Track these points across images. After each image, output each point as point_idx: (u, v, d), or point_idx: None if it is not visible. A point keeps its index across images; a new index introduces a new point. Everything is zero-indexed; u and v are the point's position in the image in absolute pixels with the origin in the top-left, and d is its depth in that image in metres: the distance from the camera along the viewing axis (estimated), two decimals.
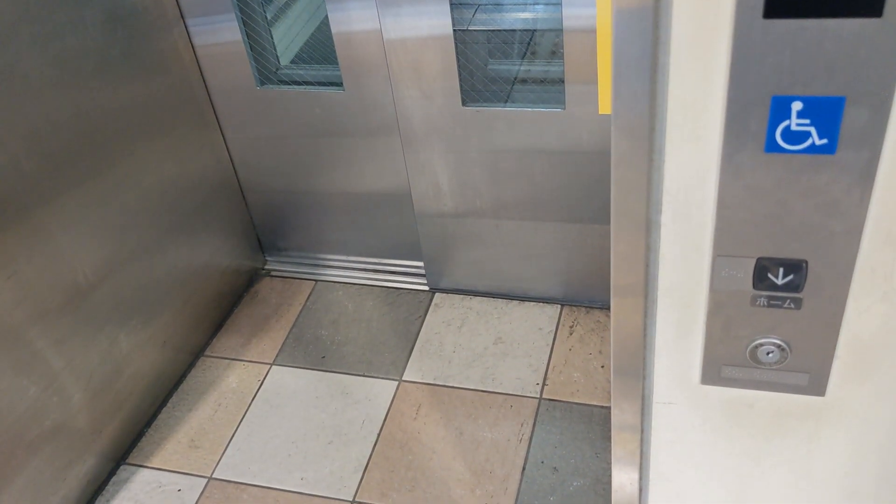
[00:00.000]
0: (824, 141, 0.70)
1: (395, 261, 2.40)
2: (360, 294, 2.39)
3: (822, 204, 0.74)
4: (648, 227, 0.79)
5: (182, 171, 2.10)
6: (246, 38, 2.07)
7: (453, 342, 2.22)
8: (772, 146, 0.71)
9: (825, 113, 0.68)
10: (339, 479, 1.95)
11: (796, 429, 0.91)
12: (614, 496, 1.02)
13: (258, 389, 2.16)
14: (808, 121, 0.69)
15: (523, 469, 1.94)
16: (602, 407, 2.03)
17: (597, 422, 2.00)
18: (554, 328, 2.22)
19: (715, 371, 0.88)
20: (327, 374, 2.18)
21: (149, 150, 1.97)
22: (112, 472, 1.97)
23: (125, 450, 2.01)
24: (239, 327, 2.33)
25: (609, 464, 1.92)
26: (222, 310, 2.33)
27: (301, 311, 2.35)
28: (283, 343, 2.27)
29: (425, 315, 2.30)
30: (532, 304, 2.29)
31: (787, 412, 0.90)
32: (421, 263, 2.35)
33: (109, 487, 1.95)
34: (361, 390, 2.14)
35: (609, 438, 1.85)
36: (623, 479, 1.00)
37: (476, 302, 2.32)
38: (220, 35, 2.06)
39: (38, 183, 1.65)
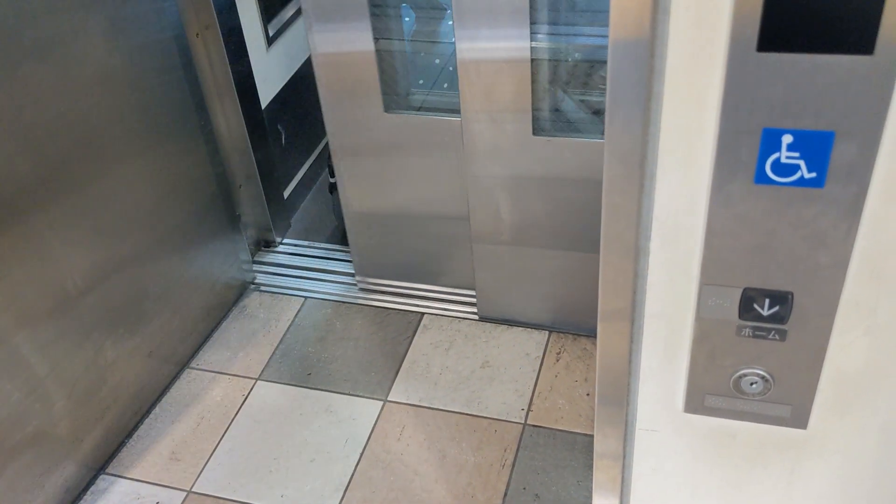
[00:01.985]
0: (813, 174, 0.71)
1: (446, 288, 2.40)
2: (349, 312, 2.38)
3: (809, 236, 0.74)
4: (637, 254, 0.80)
5: (176, 183, 2.10)
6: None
7: (440, 364, 2.22)
8: (761, 178, 0.72)
9: (814, 147, 0.69)
10: (319, 498, 1.94)
11: (778, 461, 0.91)
12: None
13: (242, 404, 2.15)
14: (797, 154, 0.70)
15: (505, 495, 1.94)
16: (586, 435, 2.03)
17: (580, 449, 1.99)
18: (541, 354, 2.22)
19: (699, 400, 0.89)
20: (312, 391, 2.17)
21: (144, 160, 1.97)
22: (91, 482, 1.96)
23: (105, 459, 2.00)
24: (226, 341, 2.32)
25: (591, 492, 1.91)
26: (210, 323, 2.32)
27: (289, 328, 2.35)
28: (270, 358, 2.27)
29: (413, 336, 2.30)
30: (520, 329, 2.29)
31: (769, 444, 0.90)
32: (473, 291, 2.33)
33: (87, 497, 1.94)
34: (346, 409, 2.13)
35: (592, 467, 1.85)
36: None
37: (465, 325, 2.32)
38: None
39: (32, 188, 1.66)
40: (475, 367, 2.21)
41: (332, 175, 2.44)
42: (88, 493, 1.94)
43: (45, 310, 1.73)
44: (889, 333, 0.78)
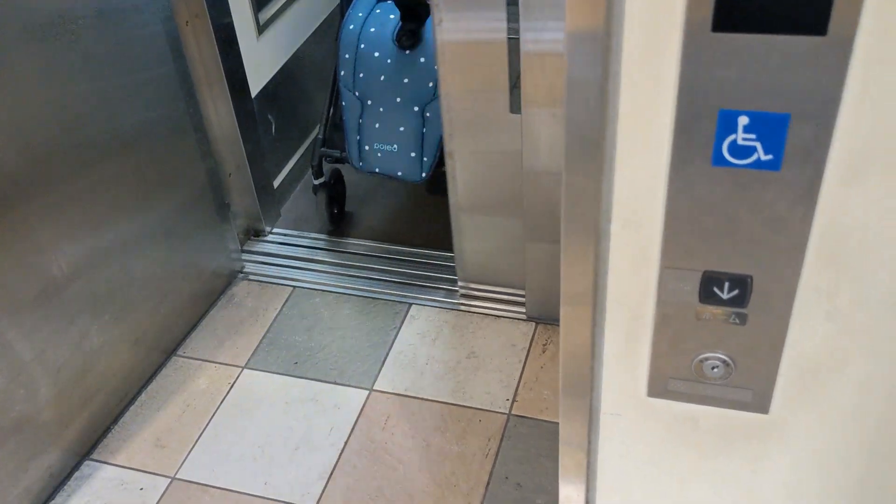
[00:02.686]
0: (770, 157, 0.71)
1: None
2: (337, 302, 2.39)
3: (767, 220, 0.74)
4: (598, 236, 0.80)
5: (164, 172, 2.10)
6: None
7: (427, 354, 2.22)
8: (719, 160, 0.72)
9: (770, 129, 0.69)
10: (302, 486, 1.94)
11: (741, 445, 0.91)
12: None
13: (228, 392, 2.16)
14: (753, 136, 0.70)
15: (487, 484, 1.94)
16: None
17: None
18: (527, 345, 2.23)
19: (662, 384, 0.89)
20: (299, 380, 2.18)
21: (132, 148, 1.97)
22: (75, 467, 1.96)
23: (90, 445, 2.00)
24: (213, 329, 2.33)
25: None
26: (197, 311, 2.32)
27: (277, 317, 2.35)
28: (257, 347, 2.27)
29: (400, 326, 2.30)
30: (507, 320, 2.29)
31: (732, 428, 0.90)
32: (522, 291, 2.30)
33: (71, 482, 1.94)
34: (331, 398, 2.13)
35: None
36: (570, 491, 1.00)
37: (452, 315, 2.32)
38: None
39: (18, 176, 1.66)
40: (461, 358, 2.21)
41: (317, 176, 2.42)
42: (73, 478, 1.95)
43: (31, 296, 1.73)
44: (849, 319, 0.78)
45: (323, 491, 1.93)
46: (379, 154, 2.24)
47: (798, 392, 0.85)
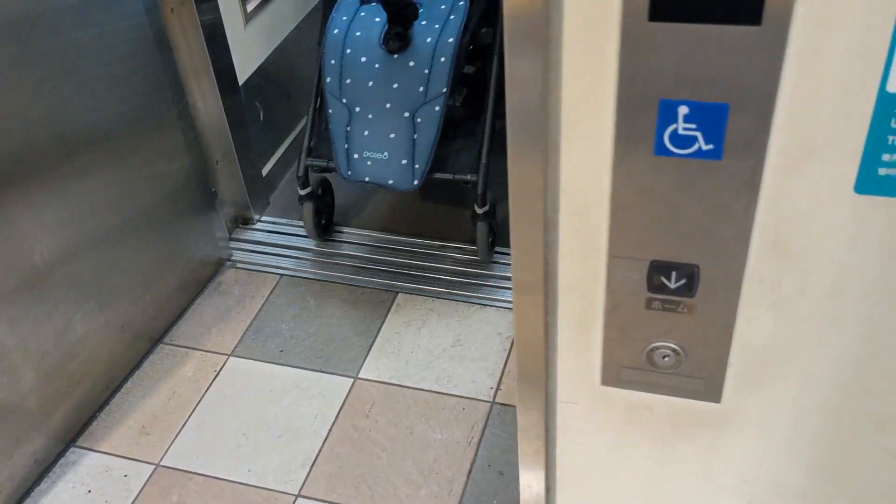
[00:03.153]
0: (710, 146, 0.71)
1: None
2: (324, 290, 2.39)
3: (711, 209, 0.75)
4: (547, 225, 0.80)
5: (151, 160, 2.11)
6: None
7: (412, 343, 2.23)
8: (661, 149, 0.72)
9: (710, 118, 0.69)
10: (286, 473, 1.96)
11: (696, 434, 0.92)
12: (522, 494, 1.03)
13: (214, 379, 2.17)
14: (694, 125, 0.70)
15: (470, 472, 1.95)
16: None
17: None
18: (513, 334, 2.23)
19: (614, 373, 0.89)
20: (284, 367, 2.19)
21: (117, 137, 1.98)
22: (60, 454, 1.98)
23: (75, 432, 2.02)
24: (200, 317, 2.34)
25: None
26: (184, 298, 2.33)
27: (263, 304, 2.36)
28: (243, 335, 2.28)
29: (386, 315, 2.31)
30: (493, 308, 2.30)
31: (686, 417, 0.91)
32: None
33: (56, 469, 1.96)
34: (316, 386, 2.14)
35: None
36: (530, 478, 1.01)
37: (438, 304, 2.33)
38: None
39: (1, 163, 1.67)
40: (446, 346, 2.22)
41: (303, 187, 2.34)
42: (58, 465, 1.97)
43: (13, 284, 1.74)
44: (794, 308, 0.78)
45: (306, 478, 1.94)
46: (369, 162, 2.16)
47: (748, 380, 0.85)
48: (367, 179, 2.17)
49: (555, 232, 0.81)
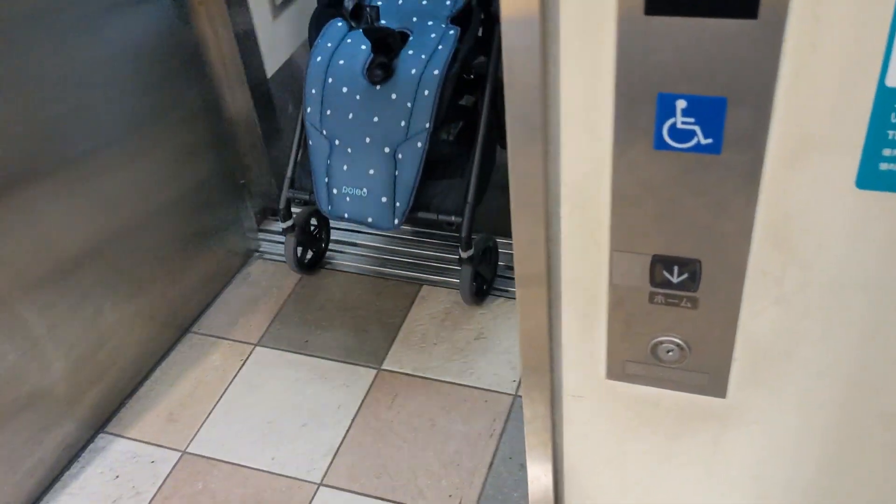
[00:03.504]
0: (709, 140, 0.71)
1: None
2: (349, 282, 2.41)
3: (711, 203, 0.74)
4: (548, 218, 0.80)
5: (180, 151, 2.14)
6: None
7: (435, 335, 2.24)
8: (660, 143, 0.72)
9: (708, 112, 0.69)
10: (309, 461, 1.98)
11: (701, 429, 0.92)
12: (530, 487, 1.03)
13: (240, 369, 2.20)
14: (692, 119, 0.70)
15: (491, 464, 1.96)
16: None
17: None
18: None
19: (619, 367, 0.89)
20: (309, 358, 2.21)
21: (146, 128, 2.01)
22: (90, 440, 2.02)
23: (104, 419, 2.06)
24: (228, 307, 2.37)
25: None
26: (213, 289, 2.37)
27: (290, 295, 2.38)
28: (269, 325, 2.31)
29: (410, 306, 2.32)
30: (516, 301, 2.30)
31: (691, 412, 0.90)
32: None
33: (85, 454, 2.00)
34: (340, 376, 2.16)
35: None
36: (537, 470, 1.01)
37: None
38: None
39: (31, 155, 1.70)
40: (470, 339, 2.22)
41: (284, 219, 2.24)
42: (87, 450, 2.01)
43: (44, 272, 1.78)
44: (798, 302, 0.78)
45: (329, 467, 1.97)
46: (348, 198, 2.04)
47: (753, 375, 0.85)
48: (346, 216, 2.07)
49: (556, 225, 0.81)
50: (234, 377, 2.18)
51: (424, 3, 2.06)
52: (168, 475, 1.96)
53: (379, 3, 2.10)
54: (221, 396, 2.14)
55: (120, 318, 2.02)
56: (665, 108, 0.70)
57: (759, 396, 0.86)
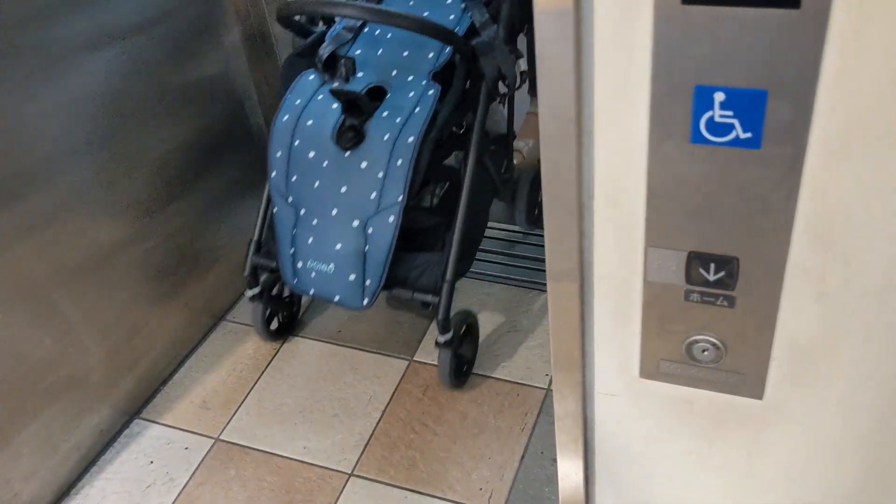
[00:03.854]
0: (748, 134, 0.68)
1: None
2: None
3: (750, 199, 0.72)
4: (581, 212, 0.78)
5: (216, 142, 2.15)
6: None
7: None
8: (697, 137, 0.70)
9: (747, 105, 0.67)
10: (340, 451, 1.98)
11: (737, 430, 0.89)
12: (560, 484, 1.02)
13: (273, 357, 2.21)
14: (731, 112, 0.68)
15: (522, 458, 1.94)
16: None
17: None
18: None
19: (653, 365, 0.87)
20: (341, 348, 2.21)
21: (182, 117, 2.02)
22: (125, 426, 2.04)
23: (139, 405, 2.08)
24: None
25: None
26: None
27: None
28: (302, 314, 2.31)
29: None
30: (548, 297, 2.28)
31: (726, 412, 0.88)
32: None
33: (121, 439, 2.02)
34: (372, 367, 2.16)
35: None
36: (568, 467, 1.00)
37: (496, 288, 2.32)
38: None
39: (69, 147, 1.72)
40: (503, 332, 2.21)
41: (250, 286, 2.05)
42: (122, 435, 2.03)
43: (79, 259, 1.80)
44: (840, 301, 0.75)
45: (359, 458, 1.97)
46: (313, 273, 1.83)
47: (792, 376, 0.82)
48: (311, 292, 1.86)
49: (590, 220, 0.79)
50: (266, 366, 2.19)
51: (405, 54, 1.86)
52: (201, 462, 1.98)
53: (357, 52, 1.89)
54: (254, 385, 2.15)
55: (155, 305, 2.04)
56: (702, 100, 0.68)
57: (798, 397, 0.84)
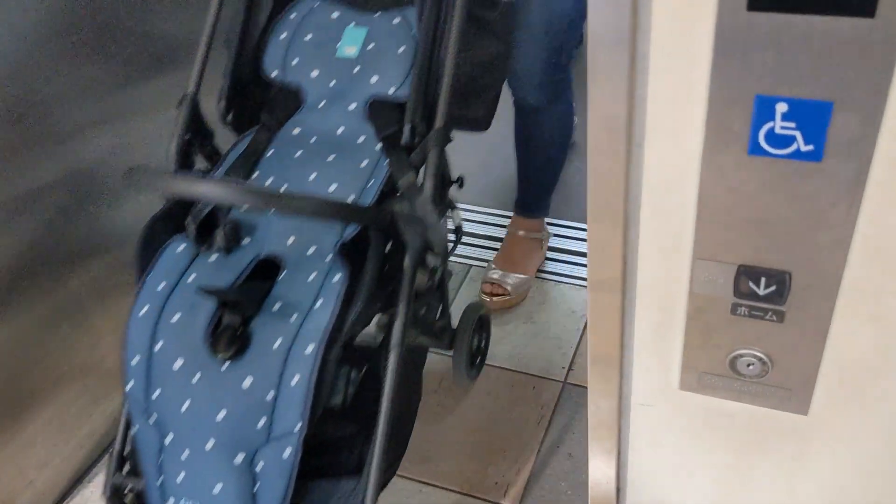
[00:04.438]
0: (810, 147, 0.65)
1: None
2: None
3: (807, 214, 0.69)
4: (627, 222, 0.76)
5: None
6: None
7: None
8: (755, 149, 0.67)
9: (811, 117, 0.64)
10: None
11: (778, 446, 0.87)
12: (591, 492, 1.00)
13: None
14: (793, 124, 0.65)
15: (538, 452, 1.92)
16: None
17: None
18: (587, 312, 2.18)
19: (694, 378, 0.85)
20: None
21: None
22: None
23: None
24: None
25: None
26: None
27: None
28: None
29: (459, 287, 2.28)
30: (567, 286, 2.25)
31: (768, 427, 0.86)
32: None
33: None
34: None
35: None
36: (599, 476, 0.98)
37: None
38: None
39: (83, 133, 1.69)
40: (519, 323, 2.18)
41: None
42: None
43: (92, 245, 1.78)
44: (894, 322, 0.72)
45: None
46: None
47: (840, 394, 0.80)
48: None
49: (635, 230, 0.76)
50: None
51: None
52: None
53: (240, 210, 1.39)
54: None
55: None
56: (763, 111, 0.65)
57: (845, 415, 0.81)
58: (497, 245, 2.38)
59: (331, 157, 1.42)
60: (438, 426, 1.98)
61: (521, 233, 2.28)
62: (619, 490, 1.00)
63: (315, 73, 1.49)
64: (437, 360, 2.11)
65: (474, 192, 2.55)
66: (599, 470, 0.97)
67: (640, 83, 0.67)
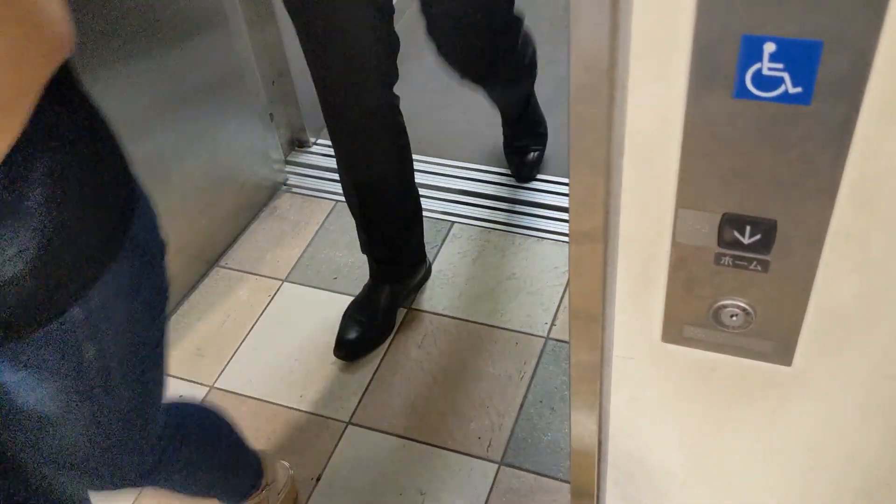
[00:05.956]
0: (798, 89, 0.63)
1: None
2: None
3: (794, 159, 0.67)
4: (609, 171, 0.73)
5: (205, 78, 2.07)
6: None
7: (466, 274, 2.19)
8: (741, 91, 0.64)
9: (800, 57, 0.61)
10: (337, 400, 1.96)
11: (760, 397, 0.86)
12: (573, 444, 0.99)
13: (268, 304, 2.17)
14: (781, 65, 0.62)
15: (521, 406, 1.92)
16: None
17: None
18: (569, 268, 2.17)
19: (676, 330, 0.83)
20: (337, 295, 2.17)
21: (170, 53, 1.94)
22: None
23: None
24: (255, 241, 2.33)
25: None
26: (240, 222, 2.32)
27: (318, 231, 2.34)
28: (298, 261, 2.27)
29: (441, 244, 2.27)
30: (550, 242, 2.24)
31: (751, 379, 0.84)
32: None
33: None
34: None
35: None
36: (581, 429, 0.97)
37: (494, 235, 2.27)
38: None
39: None
40: (501, 279, 2.17)
41: None
42: None
43: None
44: (882, 269, 0.71)
45: (357, 406, 1.94)
46: None
47: (824, 345, 0.78)
48: None
49: (617, 178, 0.74)
50: (262, 313, 2.15)
51: None
52: None
53: None
54: (249, 332, 2.11)
55: None
56: (750, 51, 0.62)
57: (829, 366, 0.80)
58: (479, 201, 2.36)
59: None
60: (421, 381, 1.97)
61: None
62: (600, 443, 0.99)
63: None
64: (420, 318, 2.10)
65: (457, 148, 2.52)
66: (581, 423, 0.96)
67: (624, 22, 0.64)
